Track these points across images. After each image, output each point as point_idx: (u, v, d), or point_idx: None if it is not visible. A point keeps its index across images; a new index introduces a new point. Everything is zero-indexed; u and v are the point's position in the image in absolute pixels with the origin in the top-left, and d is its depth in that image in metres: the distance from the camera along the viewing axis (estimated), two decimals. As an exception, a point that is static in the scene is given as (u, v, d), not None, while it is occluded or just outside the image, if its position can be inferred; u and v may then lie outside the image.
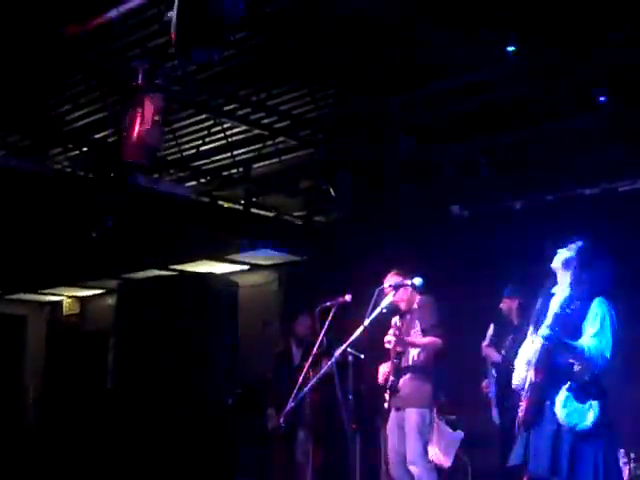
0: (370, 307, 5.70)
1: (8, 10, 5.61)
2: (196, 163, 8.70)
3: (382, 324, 6.24)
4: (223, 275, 10.98)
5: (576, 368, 4.71)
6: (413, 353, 6.60)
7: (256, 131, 7.92)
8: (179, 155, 8.36)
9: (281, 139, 8.10)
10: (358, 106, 7.46)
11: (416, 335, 6.57)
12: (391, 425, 6.65)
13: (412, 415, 6.47)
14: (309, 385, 5.77)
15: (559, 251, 4.99)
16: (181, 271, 10.86)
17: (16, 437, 12.42)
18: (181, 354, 9.08)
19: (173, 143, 8.15)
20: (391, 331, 6.49)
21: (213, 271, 10.96)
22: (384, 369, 6.67)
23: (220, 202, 9.07)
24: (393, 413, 6.64)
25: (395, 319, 6.61)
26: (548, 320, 4.69)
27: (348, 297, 5.90)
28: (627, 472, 6.58)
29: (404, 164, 8.04)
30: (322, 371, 5.60)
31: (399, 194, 8.52)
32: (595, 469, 4.59)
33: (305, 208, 9.63)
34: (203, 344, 9.23)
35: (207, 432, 8.90)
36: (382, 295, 5.82)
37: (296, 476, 7.76)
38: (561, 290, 4.92)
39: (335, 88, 7.21)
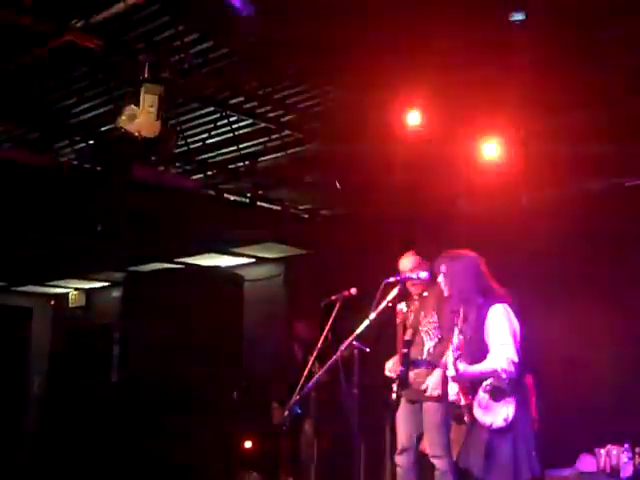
0: (376, 300, 5.70)
1: (13, 3, 5.61)
2: (202, 156, 8.70)
3: (388, 317, 6.24)
4: (228, 268, 11.00)
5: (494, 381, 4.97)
6: (429, 345, 6.49)
7: (262, 124, 7.91)
8: (185, 148, 8.35)
9: (287, 132, 8.09)
10: (358, 101, 7.45)
11: (429, 324, 6.50)
12: (402, 415, 6.55)
13: (432, 409, 6.38)
14: (314, 379, 5.78)
15: (439, 280, 5.29)
16: (187, 264, 10.88)
17: (21, 429, 12.47)
18: (186, 347, 9.09)
19: (179, 136, 8.14)
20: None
21: (219, 264, 10.98)
22: (390, 365, 6.60)
23: (226, 195, 9.07)
24: (405, 405, 6.54)
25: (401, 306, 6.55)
26: (450, 357, 4.98)
27: (353, 290, 5.91)
28: (632, 466, 6.59)
29: (406, 158, 8.02)
30: (327, 365, 5.60)
31: (403, 187, 8.51)
32: (507, 463, 4.84)
33: (311, 201, 9.63)
34: (208, 337, 9.25)
35: (212, 425, 8.92)
36: (388, 288, 5.82)
37: (301, 470, 7.78)
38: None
39: (340, 81, 7.19)
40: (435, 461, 6.33)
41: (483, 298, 5.11)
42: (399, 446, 6.57)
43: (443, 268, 5.27)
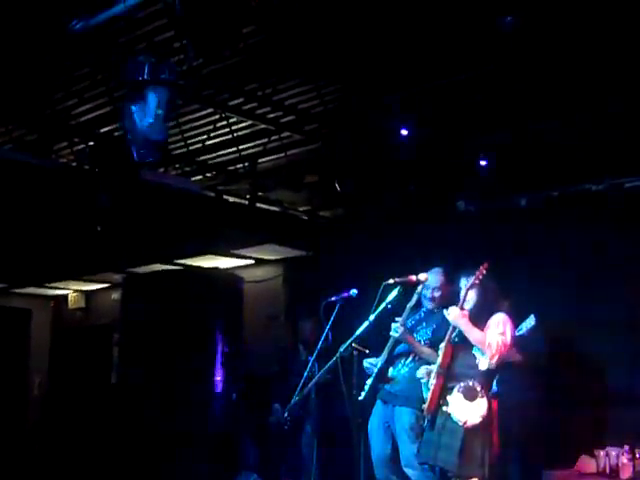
0: (375, 302, 5.71)
1: (15, 3, 5.61)
2: (202, 157, 8.71)
3: (387, 319, 6.23)
4: (228, 270, 10.99)
5: (477, 360, 5.63)
6: (416, 351, 6.38)
7: (262, 126, 7.92)
8: (185, 149, 8.36)
9: (287, 134, 8.10)
10: (360, 102, 7.45)
11: (422, 335, 6.41)
12: (375, 422, 6.42)
13: (404, 415, 6.25)
14: (314, 380, 5.78)
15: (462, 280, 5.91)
16: (186, 265, 10.87)
17: (21, 431, 12.46)
18: (186, 348, 9.09)
19: (179, 137, 8.15)
20: (400, 318, 6.31)
21: (218, 265, 10.97)
22: (372, 360, 6.37)
23: (225, 197, 9.07)
24: (379, 407, 6.42)
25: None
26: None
27: (353, 292, 5.91)
28: (632, 468, 6.58)
29: (408, 160, 8.03)
30: (326, 366, 5.60)
31: (404, 189, 8.52)
32: (482, 459, 5.40)
33: (310, 203, 9.63)
34: (208, 338, 9.24)
35: (211, 427, 8.91)
36: (387, 290, 5.82)
37: (301, 471, 7.77)
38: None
39: (340, 83, 7.20)
40: (407, 470, 6.15)
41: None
42: (373, 459, 6.36)
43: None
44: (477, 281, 5.72)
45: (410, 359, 6.41)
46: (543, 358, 6.98)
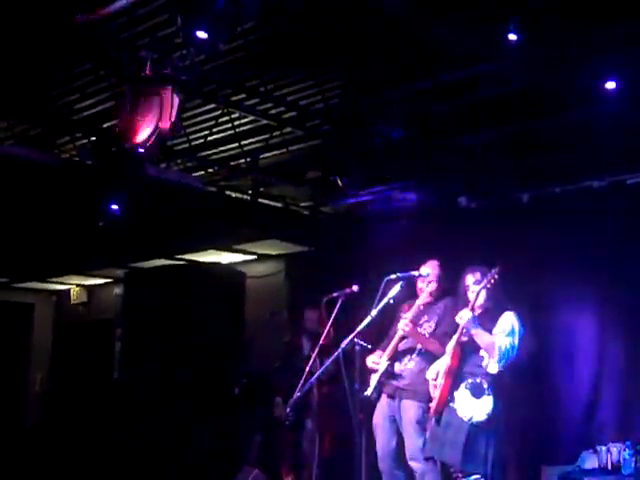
0: (377, 297, 5.72)
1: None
2: (204, 153, 8.71)
3: (389, 314, 6.23)
4: (230, 265, 11.00)
5: (485, 362, 5.58)
6: (424, 346, 6.37)
7: (264, 121, 7.92)
8: (187, 145, 8.37)
9: (289, 130, 8.10)
10: (361, 97, 7.45)
11: (428, 329, 6.41)
12: (380, 416, 6.42)
13: (411, 408, 6.24)
14: (316, 375, 5.79)
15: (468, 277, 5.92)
16: (188, 261, 10.88)
17: (22, 426, 12.48)
18: (188, 343, 9.09)
19: (181, 133, 8.15)
20: (407, 314, 6.34)
21: (220, 261, 10.97)
22: (375, 357, 6.41)
23: (227, 192, 9.07)
24: (384, 401, 6.42)
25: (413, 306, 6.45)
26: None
27: (355, 287, 5.92)
28: (634, 463, 6.58)
29: (408, 155, 8.04)
30: (329, 361, 5.61)
31: (406, 185, 8.53)
32: (485, 456, 5.40)
33: (312, 198, 9.63)
34: (210, 334, 9.24)
35: (213, 421, 8.93)
36: (390, 285, 5.82)
37: (302, 466, 7.78)
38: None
39: (342, 79, 7.20)
40: (412, 463, 6.16)
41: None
42: (379, 452, 6.40)
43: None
44: (489, 285, 5.68)
45: (416, 353, 6.39)
46: (535, 357, 6.94)
